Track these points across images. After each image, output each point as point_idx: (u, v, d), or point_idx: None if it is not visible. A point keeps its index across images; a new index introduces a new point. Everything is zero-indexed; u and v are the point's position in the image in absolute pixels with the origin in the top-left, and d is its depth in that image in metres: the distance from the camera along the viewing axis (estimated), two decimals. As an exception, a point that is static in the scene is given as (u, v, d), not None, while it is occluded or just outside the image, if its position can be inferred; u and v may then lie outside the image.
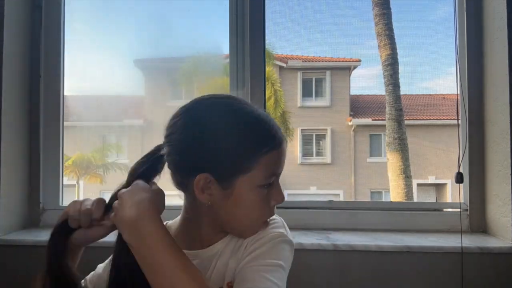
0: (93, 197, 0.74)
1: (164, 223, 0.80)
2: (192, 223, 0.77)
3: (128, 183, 0.70)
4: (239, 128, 0.71)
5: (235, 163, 0.70)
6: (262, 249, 0.71)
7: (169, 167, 0.74)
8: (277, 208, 0.77)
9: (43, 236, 1.36)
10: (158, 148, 0.74)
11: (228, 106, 0.74)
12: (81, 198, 0.72)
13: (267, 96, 1.54)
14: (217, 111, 0.73)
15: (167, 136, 0.74)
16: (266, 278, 0.66)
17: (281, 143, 0.73)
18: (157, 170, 0.73)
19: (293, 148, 5.05)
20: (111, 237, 0.70)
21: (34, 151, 1.51)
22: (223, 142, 0.70)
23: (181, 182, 0.75)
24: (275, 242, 0.73)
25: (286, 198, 0.77)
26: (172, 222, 0.83)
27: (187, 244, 0.76)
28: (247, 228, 0.74)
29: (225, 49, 1.56)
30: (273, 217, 0.78)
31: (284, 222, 0.80)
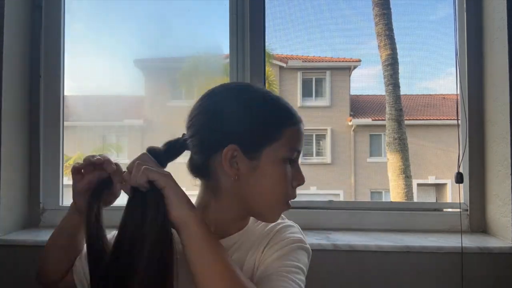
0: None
1: None
2: (209, 210, 0.77)
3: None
4: (265, 101, 0.75)
5: (261, 134, 0.72)
6: (284, 251, 0.73)
7: (192, 149, 0.75)
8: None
9: (43, 236, 1.36)
10: (180, 137, 0.77)
11: (249, 86, 0.82)
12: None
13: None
14: (239, 89, 0.79)
15: (190, 121, 0.76)
16: (290, 279, 0.68)
17: (301, 122, 0.77)
18: (176, 154, 0.76)
19: (293, 148, 5.04)
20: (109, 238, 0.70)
21: (34, 151, 1.51)
22: (248, 114, 0.73)
23: (202, 165, 0.75)
24: (296, 247, 0.75)
25: None
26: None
27: None
28: (271, 207, 0.76)
29: (225, 49, 1.56)
30: (291, 223, 0.82)
31: (301, 229, 0.82)
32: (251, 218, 0.82)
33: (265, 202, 0.75)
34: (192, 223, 0.64)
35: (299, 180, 0.77)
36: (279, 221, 0.81)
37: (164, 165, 0.74)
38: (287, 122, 0.74)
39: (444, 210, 1.50)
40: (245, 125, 0.72)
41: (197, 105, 0.77)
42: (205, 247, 0.64)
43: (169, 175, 0.67)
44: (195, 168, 0.77)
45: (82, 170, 0.75)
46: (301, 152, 0.78)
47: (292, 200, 0.78)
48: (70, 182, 0.78)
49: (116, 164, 0.75)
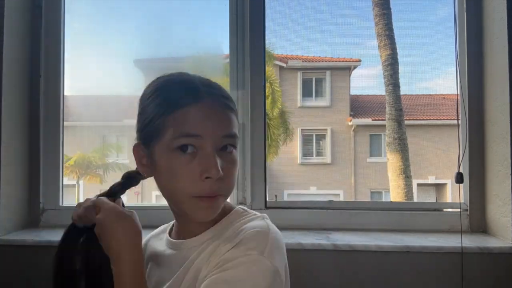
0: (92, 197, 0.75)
1: None
2: (172, 211, 0.78)
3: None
4: (150, 93, 0.72)
5: (148, 127, 0.70)
6: (231, 273, 0.61)
7: None
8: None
9: (43, 236, 1.36)
10: None
11: (159, 77, 0.75)
12: (81, 199, 0.74)
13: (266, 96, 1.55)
14: (149, 83, 0.76)
15: None
16: None
17: (199, 101, 0.67)
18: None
19: (293, 148, 5.05)
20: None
21: (34, 151, 1.51)
22: (140, 109, 0.73)
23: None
24: (252, 270, 0.61)
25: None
26: None
27: (179, 233, 0.77)
28: (180, 203, 0.69)
29: (225, 49, 1.56)
30: (259, 223, 0.69)
31: (274, 236, 0.67)
32: (230, 215, 0.74)
33: (172, 199, 0.71)
34: (118, 262, 0.66)
35: (208, 170, 0.65)
36: (248, 222, 0.70)
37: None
38: (168, 110, 0.67)
39: (444, 210, 1.50)
40: (139, 121, 0.73)
41: None
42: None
43: (104, 212, 0.69)
44: None
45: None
46: (205, 138, 0.66)
47: (206, 192, 0.66)
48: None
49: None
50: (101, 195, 0.75)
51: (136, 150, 0.73)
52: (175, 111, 0.67)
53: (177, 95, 0.68)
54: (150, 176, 0.73)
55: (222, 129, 0.67)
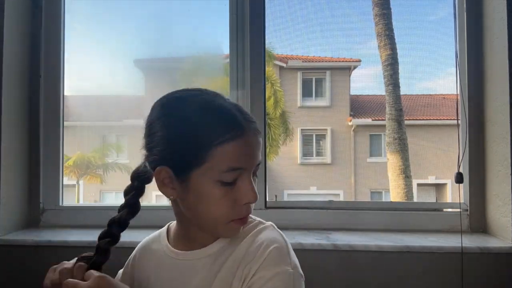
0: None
1: (168, 224, 0.84)
2: (181, 222, 0.77)
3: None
4: (192, 117, 0.68)
5: (187, 155, 0.67)
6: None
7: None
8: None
9: (43, 236, 1.36)
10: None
11: (187, 97, 0.72)
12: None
13: (266, 96, 1.55)
14: (176, 102, 0.72)
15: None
16: None
17: (243, 134, 0.67)
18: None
19: (293, 148, 5.05)
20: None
21: (34, 151, 1.51)
22: (175, 133, 0.68)
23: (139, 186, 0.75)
24: (289, 286, 0.66)
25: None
26: (174, 222, 0.82)
27: (183, 243, 0.77)
28: (214, 227, 0.71)
29: (225, 49, 1.56)
30: (273, 235, 0.72)
31: (288, 244, 0.72)
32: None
33: (206, 223, 0.71)
34: None
35: (247, 198, 0.68)
36: (260, 233, 0.73)
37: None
38: (215, 141, 0.66)
39: (444, 210, 1.50)
40: (172, 146, 0.68)
41: (147, 119, 0.75)
42: None
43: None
44: None
45: None
46: (250, 169, 0.69)
47: (243, 216, 0.71)
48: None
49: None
50: (83, 257, 0.70)
51: (161, 173, 0.69)
52: (219, 145, 0.66)
53: (225, 126, 0.67)
54: (175, 198, 0.71)
55: (258, 158, 0.71)
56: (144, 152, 0.74)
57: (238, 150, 0.67)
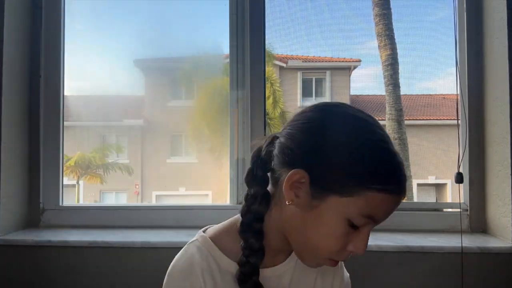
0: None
1: (206, 228, 0.77)
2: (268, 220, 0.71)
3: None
4: (365, 147, 0.63)
5: (338, 179, 0.62)
6: None
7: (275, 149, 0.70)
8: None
9: (43, 236, 1.36)
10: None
11: (363, 122, 0.67)
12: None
13: (266, 96, 1.55)
14: (348, 120, 0.67)
15: (284, 128, 0.71)
16: None
17: (398, 193, 0.64)
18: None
19: (293, 148, 5.05)
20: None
21: (34, 151, 1.51)
22: (338, 151, 0.63)
23: (262, 176, 0.71)
24: None
25: None
26: (222, 230, 0.75)
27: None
28: (310, 254, 0.68)
29: (225, 49, 1.56)
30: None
31: None
32: None
33: (306, 245, 0.67)
34: None
35: (357, 248, 0.65)
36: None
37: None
38: (374, 184, 0.61)
39: (444, 210, 1.50)
40: (327, 160, 0.63)
41: (308, 115, 0.69)
42: None
43: None
44: (254, 177, 0.73)
45: None
46: (377, 223, 0.66)
47: (342, 260, 0.69)
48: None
49: None
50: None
51: (297, 176, 0.64)
52: (375, 190, 0.61)
53: (390, 177, 0.63)
54: (292, 205, 0.65)
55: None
56: (281, 140, 0.68)
57: (385, 205, 0.64)
